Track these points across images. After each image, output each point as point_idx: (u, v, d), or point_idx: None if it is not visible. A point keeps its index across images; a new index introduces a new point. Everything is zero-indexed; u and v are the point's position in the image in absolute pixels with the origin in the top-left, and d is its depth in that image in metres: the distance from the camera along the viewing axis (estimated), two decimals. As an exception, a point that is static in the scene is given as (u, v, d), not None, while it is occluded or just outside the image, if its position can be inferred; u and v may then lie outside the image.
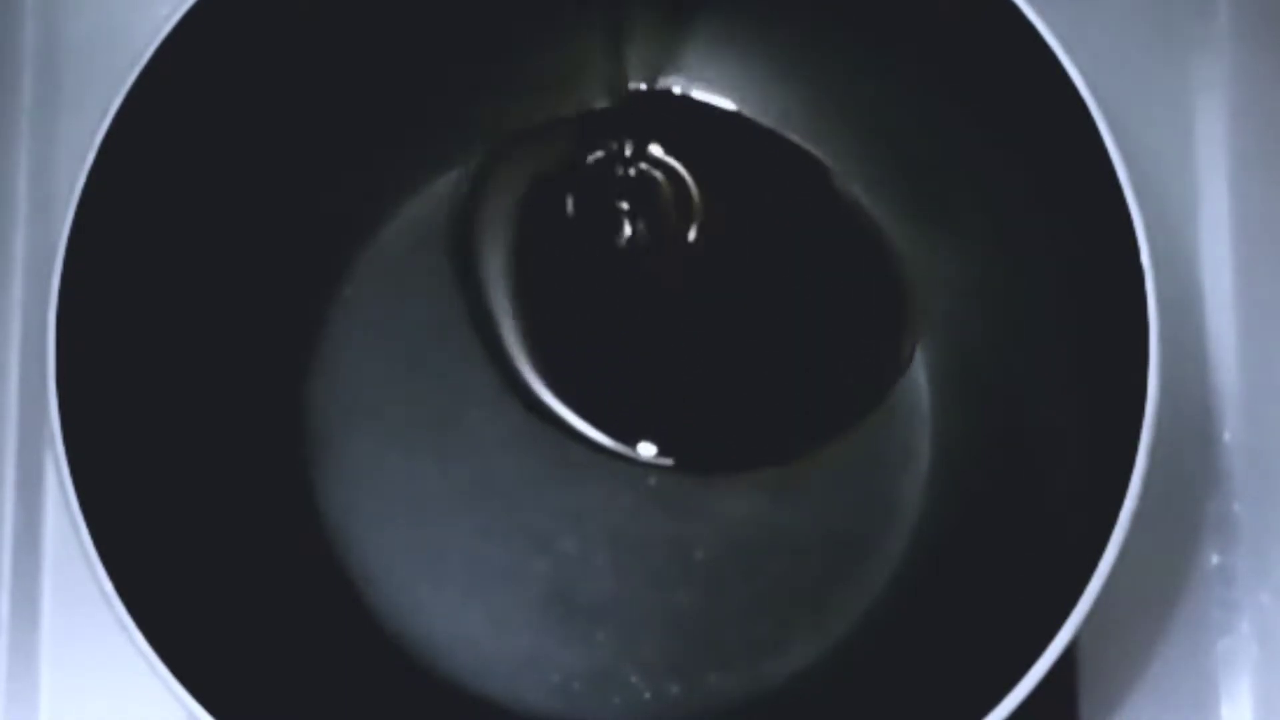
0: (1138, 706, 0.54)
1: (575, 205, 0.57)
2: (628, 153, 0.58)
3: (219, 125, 0.53)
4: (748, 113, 0.58)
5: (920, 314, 0.56)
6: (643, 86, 0.58)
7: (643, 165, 0.57)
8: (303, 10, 0.54)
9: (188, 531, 0.51)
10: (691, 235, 0.57)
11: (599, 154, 0.58)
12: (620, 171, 0.57)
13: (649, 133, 0.58)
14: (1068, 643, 0.45)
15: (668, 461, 0.55)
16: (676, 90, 0.58)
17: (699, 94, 0.58)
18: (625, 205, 0.57)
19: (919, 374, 0.56)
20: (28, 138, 0.59)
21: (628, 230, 0.57)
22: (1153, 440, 0.46)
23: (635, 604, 0.54)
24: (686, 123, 0.58)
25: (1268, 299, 0.57)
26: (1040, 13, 0.49)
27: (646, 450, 0.55)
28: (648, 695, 0.53)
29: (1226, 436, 0.56)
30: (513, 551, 0.55)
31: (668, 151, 0.58)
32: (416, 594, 0.55)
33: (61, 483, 0.47)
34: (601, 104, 0.58)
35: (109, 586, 0.46)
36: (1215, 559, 0.55)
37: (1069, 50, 0.49)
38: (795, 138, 0.58)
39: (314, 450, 0.56)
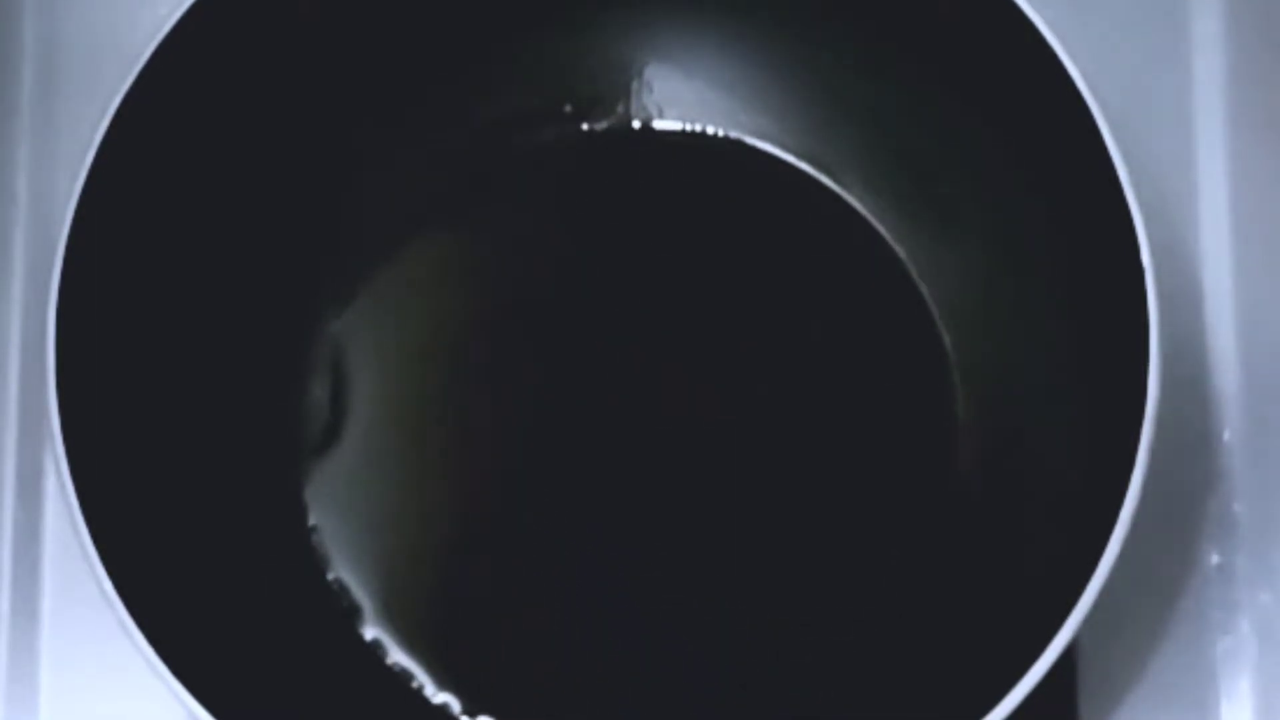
0: (1138, 706, 0.54)
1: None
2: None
3: (219, 125, 0.53)
4: (746, 113, 0.58)
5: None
6: (637, 124, 0.58)
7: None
8: (302, 10, 0.54)
9: (187, 532, 0.51)
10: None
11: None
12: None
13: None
14: (1068, 643, 0.45)
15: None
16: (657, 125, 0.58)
17: (691, 93, 0.58)
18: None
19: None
20: (28, 138, 0.59)
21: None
22: (1153, 440, 0.46)
23: (637, 614, 0.54)
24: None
25: (1268, 299, 0.57)
26: (1040, 13, 0.49)
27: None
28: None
29: (1226, 436, 0.56)
30: (513, 565, 0.55)
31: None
32: (413, 594, 0.55)
33: (61, 483, 0.47)
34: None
35: (109, 586, 0.46)
36: (1215, 559, 0.55)
37: (1069, 50, 0.49)
38: (794, 137, 0.58)
39: (314, 451, 0.56)
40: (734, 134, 0.58)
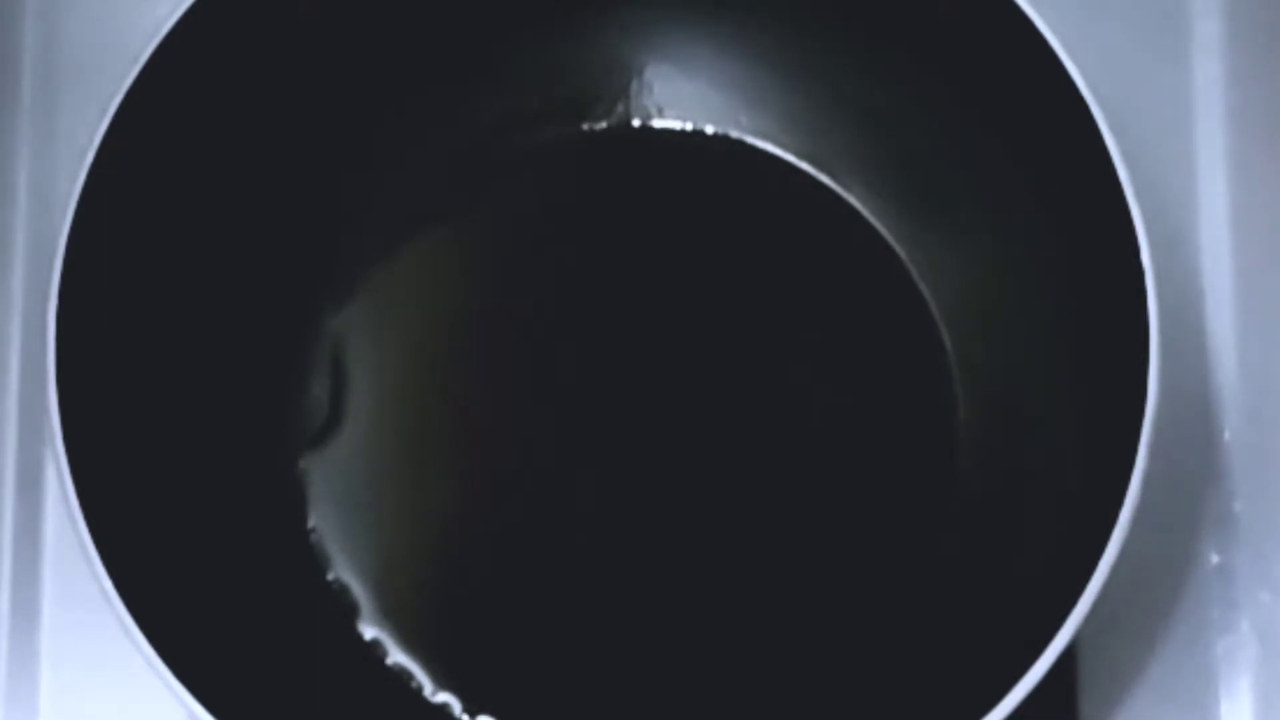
0: (1138, 706, 0.54)
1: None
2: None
3: (219, 124, 0.53)
4: (746, 113, 0.58)
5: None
6: (637, 124, 0.58)
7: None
8: (302, 9, 0.54)
9: (187, 531, 0.51)
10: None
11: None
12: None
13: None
14: (1068, 643, 0.45)
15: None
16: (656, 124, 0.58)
17: (691, 93, 0.58)
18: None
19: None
20: (28, 138, 0.59)
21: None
22: (1152, 440, 0.46)
23: (637, 614, 0.54)
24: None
25: (1268, 299, 0.57)
26: (1040, 13, 0.49)
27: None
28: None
29: (1226, 436, 0.56)
30: (512, 564, 0.55)
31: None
32: (413, 594, 0.55)
33: (61, 483, 0.47)
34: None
35: (109, 586, 0.46)
36: (1215, 558, 0.55)
37: (1069, 50, 0.49)
38: (794, 137, 0.58)
39: (314, 451, 0.56)
40: (734, 134, 0.58)
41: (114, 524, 0.47)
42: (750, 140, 0.58)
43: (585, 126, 0.58)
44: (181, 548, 0.50)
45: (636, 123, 0.58)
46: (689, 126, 0.58)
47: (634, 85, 0.58)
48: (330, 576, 0.54)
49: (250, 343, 0.55)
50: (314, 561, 0.54)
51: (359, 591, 0.54)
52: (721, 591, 0.54)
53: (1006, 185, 0.53)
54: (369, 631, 0.54)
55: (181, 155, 0.53)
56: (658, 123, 0.58)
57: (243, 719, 0.46)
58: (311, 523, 0.55)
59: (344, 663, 0.53)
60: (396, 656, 0.53)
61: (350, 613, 0.54)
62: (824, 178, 0.57)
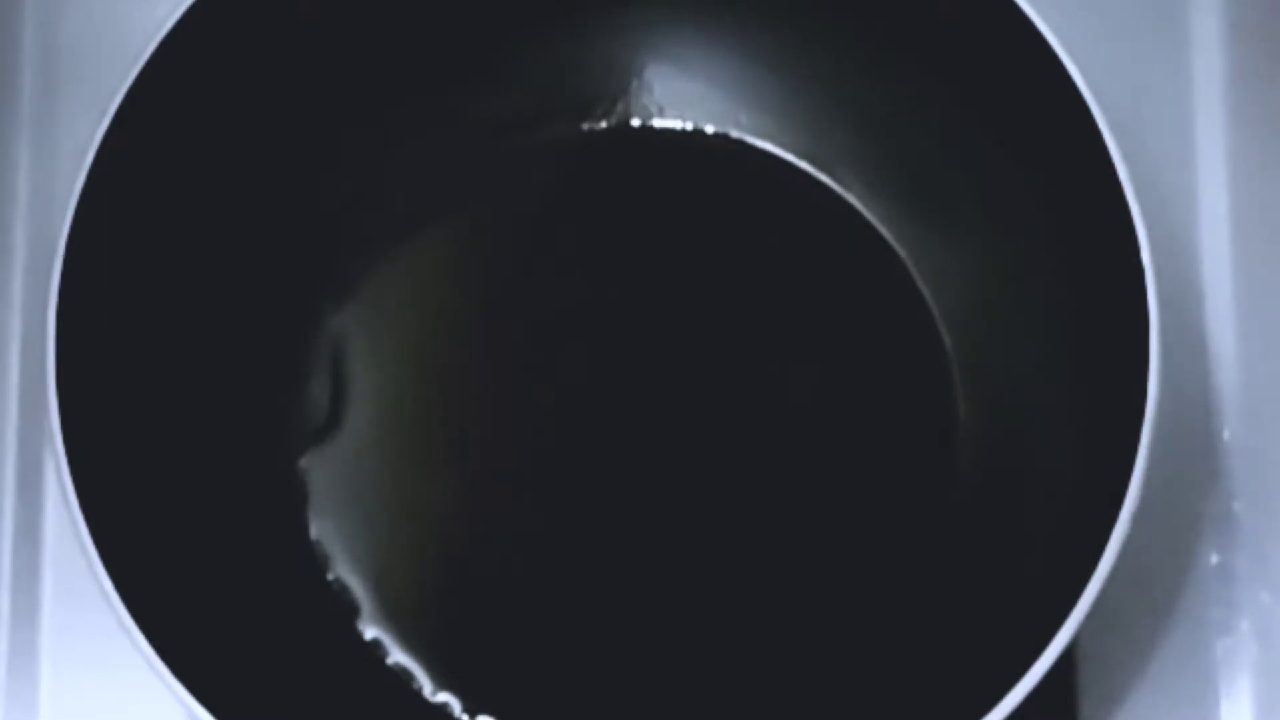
0: (1138, 706, 0.54)
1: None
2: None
3: (219, 124, 0.53)
4: (746, 113, 0.58)
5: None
6: (637, 124, 0.58)
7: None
8: (302, 9, 0.54)
9: (188, 531, 0.51)
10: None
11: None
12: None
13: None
14: (1068, 643, 0.45)
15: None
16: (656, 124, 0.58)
17: (690, 93, 0.58)
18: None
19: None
20: (28, 138, 0.60)
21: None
22: (1153, 440, 0.46)
23: (637, 614, 0.54)
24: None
25: (1268, 299, 0.57)
26: (1040, 13, 0.50)
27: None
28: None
29: (1226, 436, 0.56)
30: (512, 564, 0.55)
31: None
32: (413, 594, 0.55)
33: (61, 483, 0.47)
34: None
35: (109, 586, 0.46)
36: (1215, 558, 0.55)
37: (1069, 50, 0.49)
38: (793, 137, 0.58)
39: (314, 450, 0.56)
40: (734, 133, 0.58)
41: (114, 524, 0.47)
42: (750, 140, 0.58)
43: (585, 126, 0.58)
44: (181, 548, 0.50)
45: (636, 123, 0.58)
46: (689, 126, 0.58)
47: (634, 85, 0.58)
48: (330, 576, 0.54)
49: (250, 343, 0.55)
50: (314, 561, 0.54)
51: (359, 591, 0.54)
52: (722, 591, 0.54)
53: (1006, 185, 0.53)
54: (369, 631, 0.54)
55: (181, 155, 0.53)
56: (658, 123, 0.58)
57: (243, 719, 0.46)
58: (311, 522, 0.55)
59: (344, 663, 0.53)
60: (396, 656, 0.53)
61: (350, 613, 0.54)
62: (824, 178, 0.57)
